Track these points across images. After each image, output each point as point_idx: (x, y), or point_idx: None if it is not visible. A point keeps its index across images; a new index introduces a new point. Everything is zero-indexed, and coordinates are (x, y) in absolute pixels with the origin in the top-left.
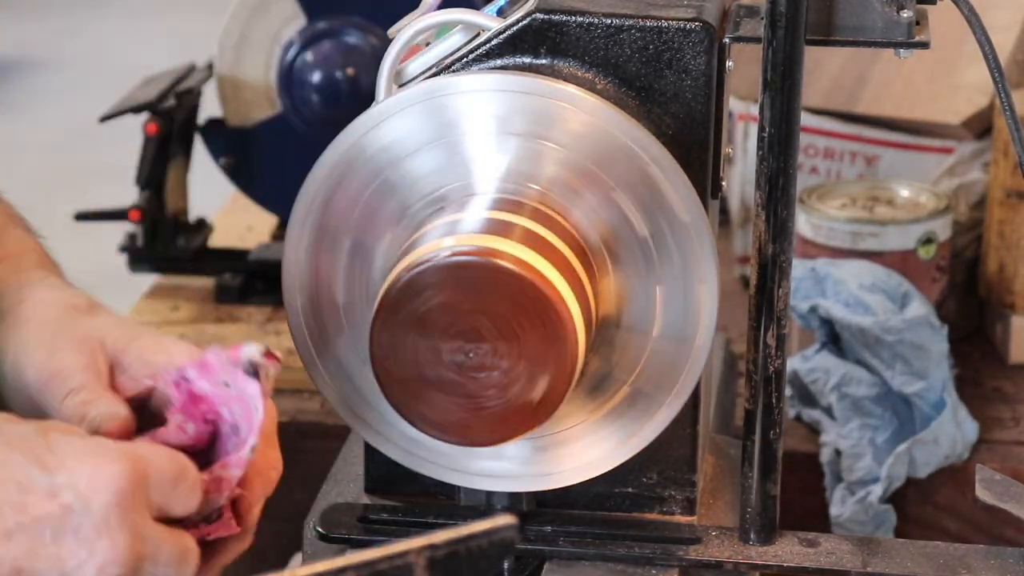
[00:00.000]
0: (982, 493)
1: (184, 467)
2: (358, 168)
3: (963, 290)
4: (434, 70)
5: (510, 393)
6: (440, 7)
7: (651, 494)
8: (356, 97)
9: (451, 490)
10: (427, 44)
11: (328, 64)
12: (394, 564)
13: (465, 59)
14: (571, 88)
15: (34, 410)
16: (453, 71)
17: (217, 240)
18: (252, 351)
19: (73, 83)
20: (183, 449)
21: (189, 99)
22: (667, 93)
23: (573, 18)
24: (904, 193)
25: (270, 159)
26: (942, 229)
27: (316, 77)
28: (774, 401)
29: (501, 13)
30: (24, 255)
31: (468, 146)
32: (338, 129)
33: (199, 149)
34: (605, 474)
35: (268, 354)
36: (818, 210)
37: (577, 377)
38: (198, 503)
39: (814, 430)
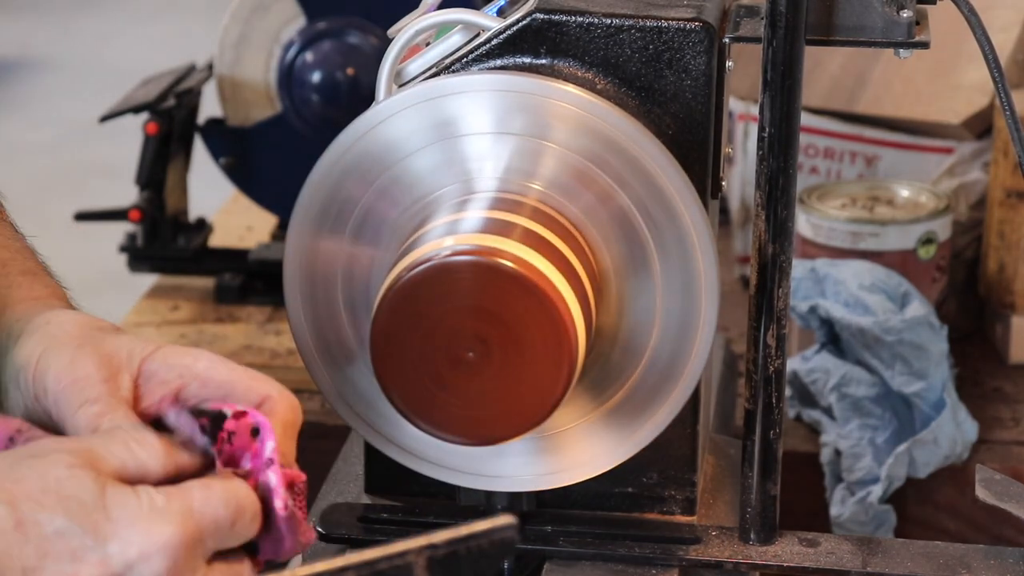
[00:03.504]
0: (982, 493)
1: (240, 507)
2: (358, 168)
3: (963, 290)
4: (434, 70)
5: (510, 393)
6: (440, 7)
7: (651, 494)
8: (356, 97)
9: (451, 490)
10: (427, 44)
11: (328, 64)
12: (394, 564)
13: (465, 59)
14: (571, 88)
15: (50, 421)
16: (453, 71)
17: (217, 240)
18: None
19: (73, 83)
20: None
21: (189, 99)
22: (667, 93)
23: (573, 18)
24: (904, 193)
25: (270, 159)
26: (942, 229)
27: (316, 77)
28: (774, 401)
29: (501, 13)
30: (35, 279)
31: (468, 146)
32: (338, 129)
33: (199, 149)
34: (605, 474)
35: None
36: (818, 210)
37: (577, 377)
38: (257, 530)
39: (814, 430)
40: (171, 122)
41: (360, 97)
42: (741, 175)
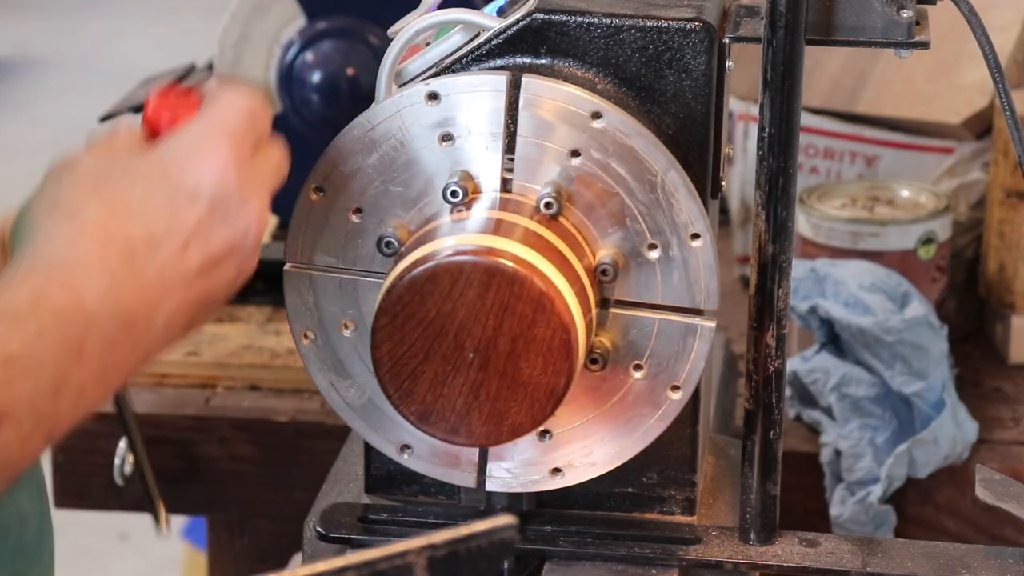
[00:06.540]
0: (982, 493)
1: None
2: (358, 168)
3: (963, 290)
4: (434, 70)
5: (511, 392)
6: (440, 7)
7: (651, 494)
8: (356, 97)
9: (451, 490)
10: (427, 44)
11: (328, 64)
12: (394, 564)
13: (465, 59)
14: (571, 88)
15: None
16: (453, 71)
17: None
18: None
19: (73, 83)
20: None
21: None
22: (667, 93)
23: (573, 18)
24: (904, 193)
25: None
26: (942, 229)
27: (316, 77)
28: (774, 401)
29: (501, 13)
30: None
31: (468, 146)
32: (338, 129)
33: None
34: (605, 474)
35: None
36: (818, 210)
37: (577, 377)
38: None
39: (814, 430)
40: None
41: (360, 97)
42: (741, 175)
